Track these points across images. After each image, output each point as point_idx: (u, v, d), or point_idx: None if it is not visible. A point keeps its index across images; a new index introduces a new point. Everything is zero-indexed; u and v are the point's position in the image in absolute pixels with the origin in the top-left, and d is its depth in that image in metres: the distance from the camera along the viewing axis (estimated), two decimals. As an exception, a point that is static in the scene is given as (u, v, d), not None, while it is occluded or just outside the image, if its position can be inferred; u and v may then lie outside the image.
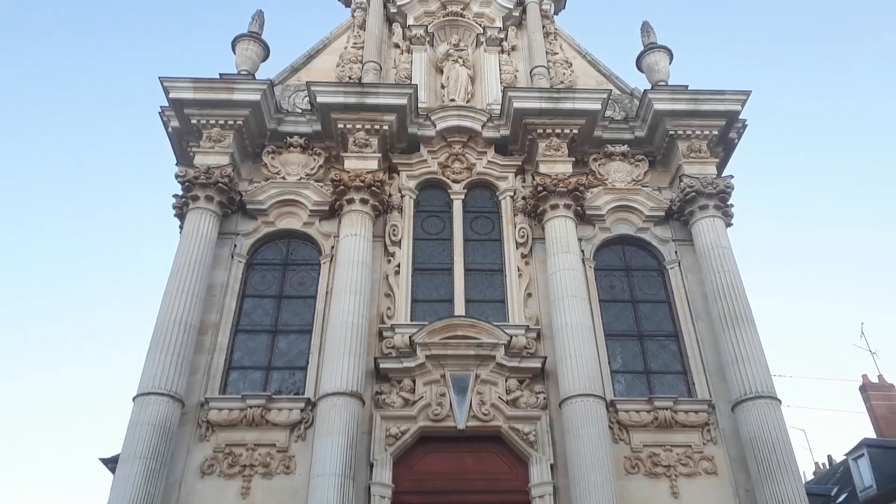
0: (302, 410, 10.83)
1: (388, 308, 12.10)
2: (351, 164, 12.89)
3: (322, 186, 13.07)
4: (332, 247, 12.54)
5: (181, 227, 12.31)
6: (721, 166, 13.84)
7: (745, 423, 10.64)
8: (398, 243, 12.75)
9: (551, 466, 10.72)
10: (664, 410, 11.06)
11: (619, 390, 11.63)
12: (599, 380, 11.06)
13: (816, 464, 35.95)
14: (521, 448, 10.95)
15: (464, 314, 11.97)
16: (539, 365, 11.49)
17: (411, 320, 11.94)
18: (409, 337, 11.50)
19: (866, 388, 30.28)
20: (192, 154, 12.90)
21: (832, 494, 30.59)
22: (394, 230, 12.89)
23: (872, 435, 29.84)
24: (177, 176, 12.51)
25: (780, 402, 10.74)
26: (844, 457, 29.89)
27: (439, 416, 11.03)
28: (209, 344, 11.43)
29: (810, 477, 33.78)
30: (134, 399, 10.24)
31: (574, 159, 13.37)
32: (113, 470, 10.54)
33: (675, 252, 12.99)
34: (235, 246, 12.55)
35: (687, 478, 10.66)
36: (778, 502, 9.82)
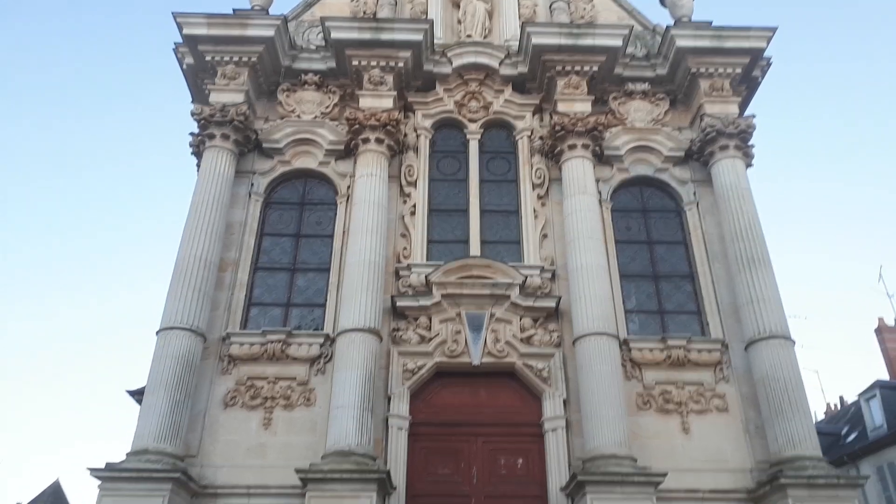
0: (321, 346, 11.10)
1: (404, 248, 12.19)
2: (366, 102, 12.77)
3: (337, 125, 12.99)
4: (348, 187, 12.56)
5: (198, 166, 12.38)
6: (743, 105, 13.54)
7: (757, 363, 10.75)
8: (414, 184, 12.74)
9: (564, 402, 10.96)
10: (677, 349, 11.19)
11: (632, 329, 11.76)
12: (613, 319, 11.16)
13: (828, 404, 36.32)
14: (534, 384, 11.18)
15: (479, 254, 12.05)
16: (553, 304, 11.60)
17: (427, 260, 12.05)
18: (425, 276, 11.62)
19: (882, 331, 30.28)
20: (207, 92, 12.85)
21: (842, 433, 31.01)
22: (409, 170, 12.85)
23: (886, 377, 30.01)
24: (192, 114, 12.50)
25: (793, 342, 10.81)
26: (857, 397, 30.15)
27: (455, 353, 11.26)
28: (229, 281, 11.65)
29: (821, 417, 34.20)
30: (157, 333, 10.54)
31: (593, 98, 13.13)
32: (139, 401, 10.95)
33: (694, 193, 12.87)
34: (252, 185, 12.62)
35: (698, 414, 10.87)
36: (787, 438, 10.01)
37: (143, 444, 9.53)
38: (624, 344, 11.23)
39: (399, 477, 10.24)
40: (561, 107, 12.92)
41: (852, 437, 30.14)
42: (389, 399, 10.88)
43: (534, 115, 13.52)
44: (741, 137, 12.61)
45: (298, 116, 13.11)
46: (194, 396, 10.41)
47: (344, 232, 12.14)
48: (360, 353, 10.46)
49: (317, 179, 13.02)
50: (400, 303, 11.52)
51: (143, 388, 10.55)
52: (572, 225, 11.90)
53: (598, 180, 12.59)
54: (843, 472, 10.13)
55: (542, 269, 11.96)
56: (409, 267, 11.89)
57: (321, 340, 11.12)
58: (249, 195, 12.52)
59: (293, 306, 11.79)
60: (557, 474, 10.44)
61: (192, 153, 12.74)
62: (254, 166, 12.80)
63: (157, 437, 9.58)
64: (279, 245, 12.42)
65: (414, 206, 12.54)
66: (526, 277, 11.68)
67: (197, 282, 10.86)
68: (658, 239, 12.71)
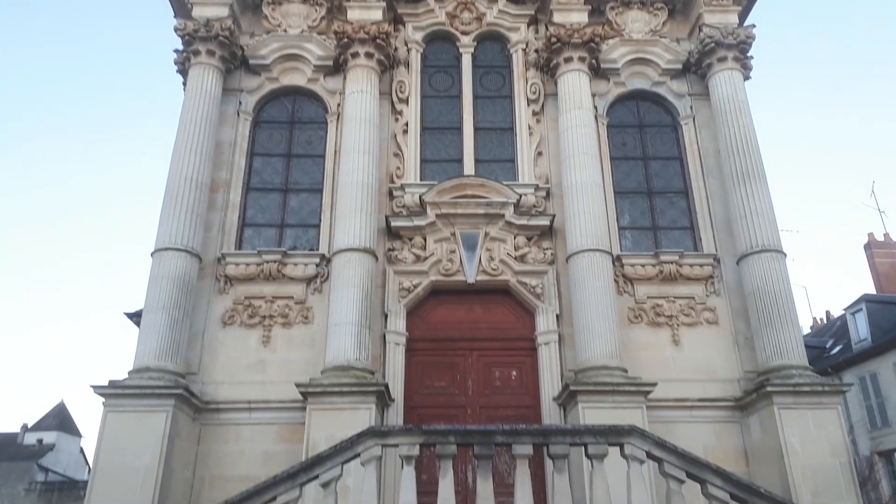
0: (317, 265, 11.15)
1: (398, 168, 12.07)
2: (354, 14, 12.32)
3: (325, 40, 12.58)
4: (339, 104, 12.29)
5: (184, 85, 12.05)
6: (743, 16, 13.13)
7: (748, 276, 10.88)
8: (405, 101, 12.47)
9: (557, 316, 11.16)
10: (669, 264, 11.30)
11: (625, 246, 11.84)
12: (607, 236, 11.21)
13: (815, 319, 37.12)
14: (528, 300, 11.34)
15: (473, 173, 11.96)
16: (548, 223, 11.61)
17: (421, 180, 11.96)
18: (419, 196, 11.56)
19: (871, 246, 30.62)
20: (189, 6, 12.35)
21: (827, 347, 31.83)
22: (401, 87, 12.55)
23: (873, 293, 30.51)
24: (176, 29, 12.06)
25: (784, 255, 10.92)
26: (843, 311, 30.77)
27: (450, 271, 11.35)
28: (221, 202, 11.57)
29: (807, 332, 35.00)
30: (152, 254, 10.55)
31: (590, 8, 12.71)
32: (138, 324, 11.07)
33: (691, 107, 12.68)
34: (241, 103, 12.33)
35: (688, 327, 11.09)
36: (775, 349, 10.25)
37: (145, 363, 9.70)
38: (617, 260, 11.32)
39: (397, 390, 10.52)
40: (557, 17, 12.52)
41: (837, 349, 30.94)
42: (386, 316, 11.04)
43: (529, 26, 13.11)
44: (740, 48, 12.31)
45: (285, 31, 12.67)
46: (192, 316, 10.52)
47: (335, 152, 11.97)
48: (356, 272, 10.53)
49: (306, 97, 12.72)
50: (394, 223, 11.50)
51: (142, 310, 10.65)
52: (567, 141, 11.76)
53: (594, 95, 12.36)
54: (829, 380, 10.42)
55: (537, 188, 11.90)
56: (402, 187, 11.81)
57: (317, 260, 11.16)
58: (238, 114, 12.25)
59: (287, 227, 11.76)
60: (550, 385, 10.73)
61: (177, 71, 12.38)
62: (241, 84, 12.47)
63: (158, 356, 9.74)
64: (270, 165, 12.27)
65: (406, 123, 12.32)
66: (520, 196, 11.64)
67: (189, 202, 10.78)
68: (654, 155, 12.61)
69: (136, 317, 14.18)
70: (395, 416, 10.37)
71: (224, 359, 10.59)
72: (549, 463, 7.08)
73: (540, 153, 12.28)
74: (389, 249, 11.48)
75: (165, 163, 11.25)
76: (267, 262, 11.01)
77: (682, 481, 6.48)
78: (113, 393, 9.44)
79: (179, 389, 9.49)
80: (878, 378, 27.62)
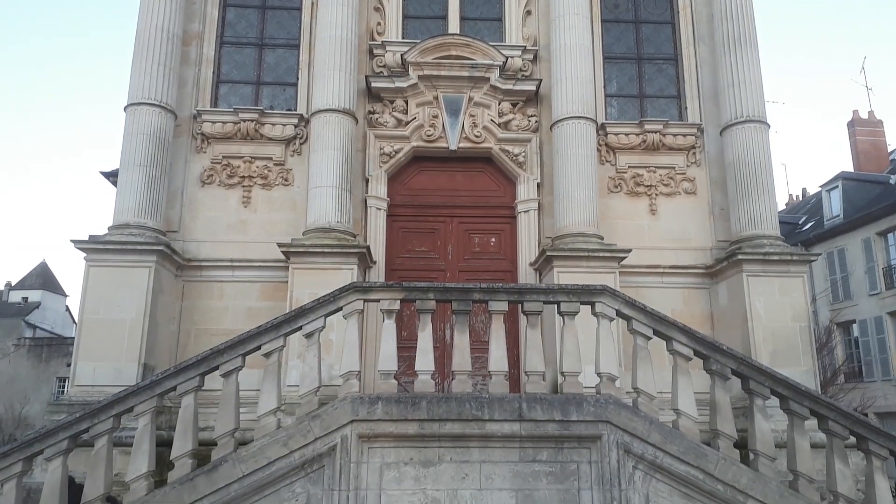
0: (295, 126, 10.92)
1: (378, 24, 11.54)
2: None
3: None
4: (317, -49, 11.49)
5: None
6: None
7: (731, 146, 10.87)
8: (388, -51, 11.69)
9: (538, 185, 11.19)
10: (653, 133, 11.21)
11: (611, 114, 11.67)
12: (593, 103, 11.01)
13: (791, 196, 37.68)
14: (510, 168, 11.31)
15: (458, 32, 11.49)
16: (534, 88, 11.33)
17: (403, 38, 11.49)
18: (401, 55, 11.14)
19: (854, 124, 30.54)
20: None
21: (800, 223, 32.55)
22: (384, -67, 11.72)
23: (851, 171, 30.79)
24: None
25: (768, 126, 10.86)
26: (819, 188, 31.19)
27: (432, 137, 11.18)
28: (195, 56, 11.10)
29: (783, 208, 35.62)
30: (125, 109, 10.22)
31: None
32: (115, 183, 10.92)
33: (687, -32, 12.06)
34: (208, -52, 11.48)
35: (666, 196, 11.20)
36: (749, 218, 10.45)
37: (124, 219, 9.68)
38: (601, 128, 11.20)
39: (378, 253, 10.69)
40: None
41: (809, 225, 31.67)
42: (367, 181, 10.99)
43: None
44: None
45: None
46: (170, 174, 10.39)
47: (313, 4, 11.35)
48: (336, 135, 10.33)
49: (279, -59, 11.85)
50: (375, 83, 11.15)
51: (118, 169, 10.46)
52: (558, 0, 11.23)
53: (587, -51, 11.66)
54: (798, 250, 10.73)
55: (524, 50, 11.51)
56: (383, 45, 11.34)
57: (295, 121, 10.91)
58: (207, -42, 11.44)
59: (263, 85, 11.37)
60: (528, 251, 10.96)
61: None
62: (212, -74, 11.55)
63: (137, 213, 9.71)
64: (244, 18, 11.62)
65: (388, -26, 11.63)
66: (507, 58, 11.27)
67: (161, 55, 10.30)
68: (646, 18, 12.13)
69: (112, 176, 13.97)
70: (377, 277, 10.59)
71: (204, 218, 10.59)
72: (523, 320, 7.34)
73: (529, 12, 11.77)
74: (370, 112, 11.22)
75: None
76: (244, 121, 10.74)
77: (648, 338, 6.80)
78: (94, 248, 9.48)
79: (161, 246, 9.54)
80: (845, 253, 28.59)
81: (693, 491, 6.32)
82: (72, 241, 9.43)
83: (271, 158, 10.85)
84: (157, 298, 9.56)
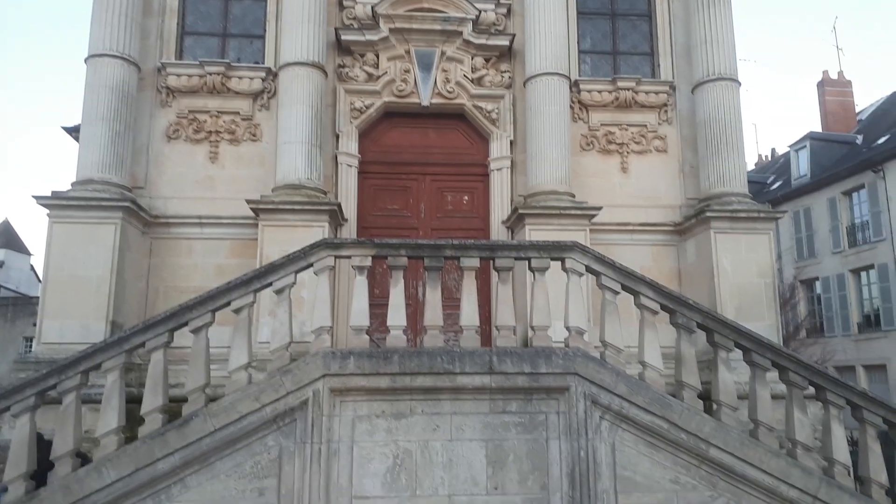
0: (263, 80, 10.67)
1: (349, -26, 11.23)
2: None
3: None
4: None
5: None
6: None
7: (702, 104, 10.91)
8: None
9: (511, 142, 11.15)
10: (626, 91, 11.20)
11: (584, 70, 11.60)
12: (566, 59, 10.93)
13: (760, 155, 38.17)
14: (482, 125, 11.24)
15: (431, -17, 11.23)
16: (507, 43, 11.19)
17: (374, -13, 11.21)
18: (372, 7, 10.91)
19: (824, 84, 30.82)
20: None
21: (768, 182, 33.04)
22: None
23: (819, 131, 31.18)
24: None
25: (739, 84, 10.91)
26: (788, 148, 31.59)
27: (403, 92, 11.03)
28: (158, 6, 10.73)
29: (752, 168, 36.08)
30: (86, 61, 9.89)
31: None
32: (77, 139, 10.61)
33: (663, -80, 11.89)
34: None
35: (638, 154, 11.25)
36: (719, 176, 10.57)
37: (88, 175, 9.44)
38: (574, 85, 11.16)
39: (350, 210, 10.62)
40: None
41: (777, 185, 32.17)
42: (337, 137, 10.84)
43: None
44: None
45: None
46: (135, 129, 10.12)
47: (279, -49, 10.99)
48: (305, 89, 10.13)
49: None
50: (345, 36, 10.91)
51: (80, 124, 10.14)
52: (533, -51, 11.02)
53: None
54: (765, 207, 10.90)
55: (498, 3, 11.33)
56: (353, -4, 11.06)
57: (263, 74, 10.66)
58: None
59: (230, 37, 11.05)
60: (500, 210, 10.97)
61: None
62: None
63: (101, 168, 9.47)
64: (209, -35, 11.23)
65: (358, -83, 11.26)
66: (480, 12, 11.10)
67: (122, 5, 9.91)
68: (620, -28, 12.00)
69: (74, 132, 13.58)
70: (349, 235, 10.52)
71: (171, 174, 10.37)
72: (494, 277, 7.39)
73: (502, -36, 11.55)
74: (340, 66, 11.00)
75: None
76: (210, 73, 10.46)
77: (616, 293, 6.90)
78: (57, 204, 9.26)
79: (126, 202, 9.35)
80: (811, 212, 29.16)
81: (658, 440, 6.51)
82: (34, 196, 9.20)
83: (239, 113, 10.62)
84: (125, 255, 9.41)
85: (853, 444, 8.51)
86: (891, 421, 6.87)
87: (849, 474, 6.72)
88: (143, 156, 10.30)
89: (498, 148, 11.19)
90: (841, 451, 6.74)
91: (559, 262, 6.93)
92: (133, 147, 10.05)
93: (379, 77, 11.01)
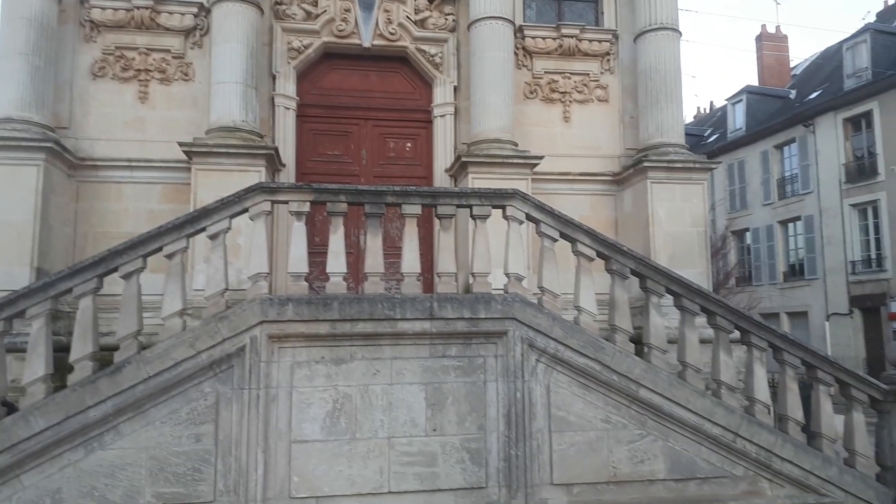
0: (195, 16, 10.15)
1: None
2: None
3: None
4: None
5: None
6: None
7: (643, 54, 10.96)
8: None
9: (455, 88, 11.01)
10: (570, 38, 11.15)
11: (528, 16, 11.48)
12: (511, 3, 10.76)
13: (698, 108, 38.92)
14: (426, 69, 11.04)
15: (372, -80, 10.80)
16: (449, -15, 10.94)
17: (312, -80, 10.71)
18: (311, -59, 10.44)
19: (762, 38, 31.42)
20: None
21: (705, 135, 33.84)
22: None
23: (756, 85, 31.93)
24: None
25: (680, 34, 10.99)
26: (725, 102, 32.31)
27: (344, 33, 10.71)
28: (78, -69, 9.97)
29: (690, 121, 36.80)
30: (-1, -11, 9.18)
31: None
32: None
33: None
34: None
35: (580, 104, 11.29)
36: (657, 127, 10.72)
37: (6, 113, 8.83)
38: (519, 31, 11.03)
39: (288, 155, 10.35)
40: None
41: (713, 138, 32.99)
42: (274, 78, 10.48)
43: None
44: None
45: None
46: (56, 64, 9.51)
47: None
48: (240, 26, 9.68)
49: None
50: (282, -29, 10.45)
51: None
52: None
53: None
54: (700, 158, 11.15)
55: (442, -58, 11.00)
56: (291, -72, 10.55)
57: (195, 10, 10.13)
58: None
59: (160, -31, 10.41)
60: (444, 157, 10.89)
61: None
62: None
63: (21, 106, 8.87)
64: None
65: None
66: (423, -50, 10.78)
67: (36, -73, 9.19)
68: (569, -88, 11.79)
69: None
70: (287, 181, 10.27)
71: (98, 114, 9.84)
72: (437, 225, 7.37)
73: None
74: (276, 3, 10.57)
75: None
76: (138, 7, 9.85)
77: (555, 240, 7.00)
78: (-30, 143, 8.68)
79: (49, 143, 8.83)
80: (744, 165, 30.11)
81: (590, 381, 6.74)
82: (-57, 141, 8.59)
83: (169, 51, 10.09)
84: (49, 199, 8.94)
85: (774, 386, 9.00)
86: (808, 362, 7.28)
87: (769, 412, 7.12)
88: (66, 94, 9.72)
89: (441, 94, 11.04)
90: (761, 391, 7.13)
91: (500, 210, 6.96)
92: (55, 84, 9.46)
93: (318, 16, 10.64)
